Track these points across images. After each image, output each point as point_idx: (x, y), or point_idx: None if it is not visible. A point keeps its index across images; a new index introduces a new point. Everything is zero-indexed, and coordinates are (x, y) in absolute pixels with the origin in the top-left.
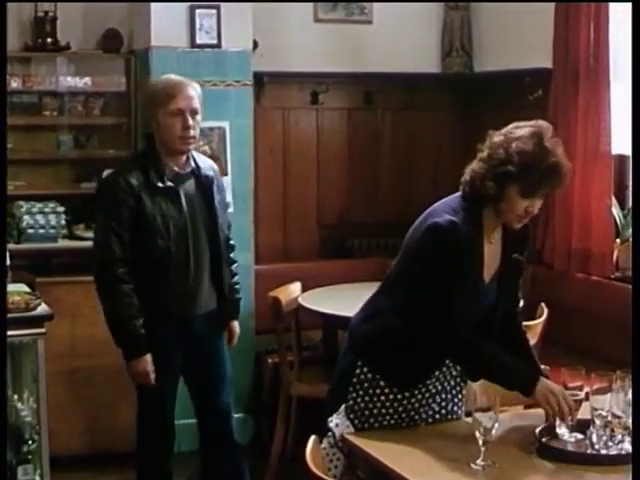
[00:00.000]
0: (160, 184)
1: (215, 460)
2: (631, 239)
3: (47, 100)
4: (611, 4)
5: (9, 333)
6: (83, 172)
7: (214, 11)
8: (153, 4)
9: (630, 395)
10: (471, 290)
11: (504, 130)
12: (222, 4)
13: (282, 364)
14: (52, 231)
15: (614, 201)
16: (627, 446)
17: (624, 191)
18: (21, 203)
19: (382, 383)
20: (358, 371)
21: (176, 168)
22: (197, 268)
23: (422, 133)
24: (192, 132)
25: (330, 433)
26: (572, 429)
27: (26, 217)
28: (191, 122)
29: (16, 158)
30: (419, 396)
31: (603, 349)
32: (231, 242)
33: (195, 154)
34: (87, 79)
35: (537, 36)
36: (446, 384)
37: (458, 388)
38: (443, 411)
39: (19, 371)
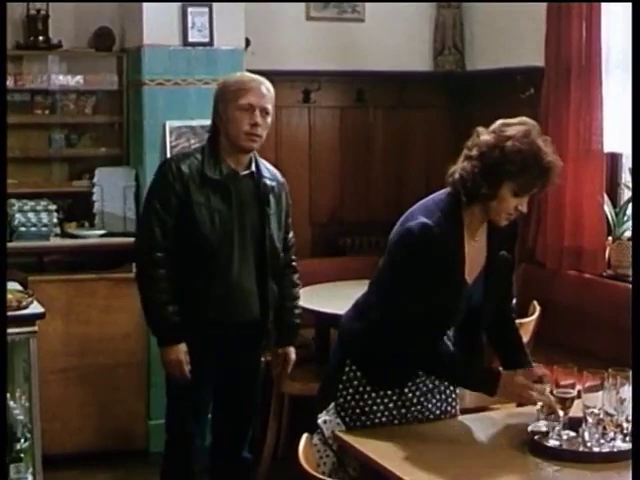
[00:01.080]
0: (212, 175)
1: (223, 477)
2: (627, 239)
3: (39, 98)
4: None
5: None
6: (75, 170)
7: (206, 9)
8: (145, 2)
9: (622, 393)
10: (452, 292)
11: (492, 128)
12: (214, 2)
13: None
14: (44, 229)
15: (606, 199)
16: (619, 444)
17: (616, 189)
18: (13, 201)
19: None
20: (347, 369)
21: (233, 165)
22: (241, 271)
23: (414, 131)
24: (259, 130)
25: (320, 430)
26: (564, 427)
27: (18, 215)
28: (259, 120)
29: (8, 156)
30: (409, 394)
31: (595, 347)
32: (293, 263)
33: (262, 161)
34: (79, 77)
35: (529, 34)
36: (437, 382)
37: (452, 387)
38: (437, 411)
39: (11, 369)
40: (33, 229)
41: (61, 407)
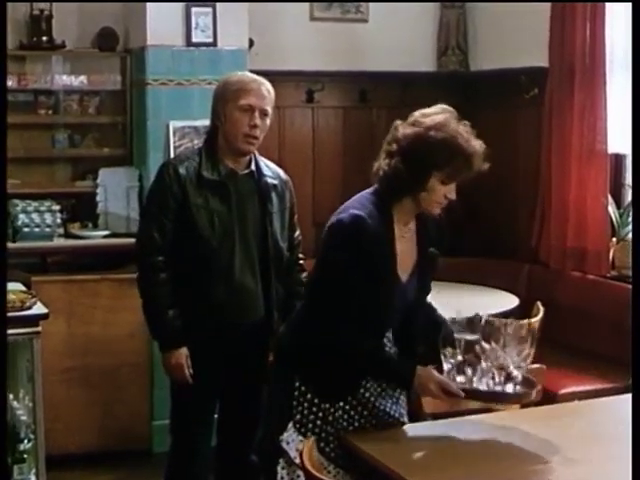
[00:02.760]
0: (209, 176)
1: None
2: (631, 240)
3: (42, 99)
4: (608, 3)
5: None
6: (78, 170)
7: (210, 9)
8: (149, 2)
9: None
10: (386, 288)
11: (411, 120)
12: (218, 2)
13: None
14: (47, 229)
15: (610, 200)
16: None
17: (620, 190)
18: (16, 201)
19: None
20: (298, 384)
21: (232, 166)
22: (243, 271)
23: None
24: (257, 132)
25: (283, 452)
26: (458, 371)
27: (21, 215)
28: (258, 121)
29: (11, 156)
30: (366, 394)
31: (599, 347)
32: (300, 262)
33: (263, 159)
34: (82, 77)
35: (533, 35)
36: (384, 385)
37: (399, 390)
38: (396, 414)
39: (15, 370)
40: (36, 230)
41: (64, 407)
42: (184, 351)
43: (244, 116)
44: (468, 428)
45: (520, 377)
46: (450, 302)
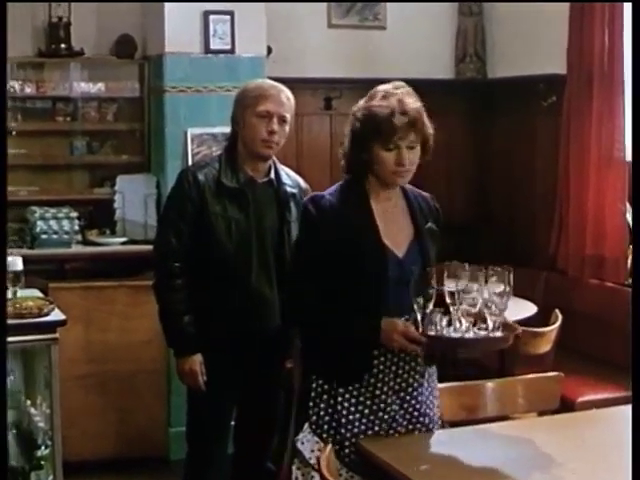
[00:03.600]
0: (228, 184)
1: None
2: (632, 239)
3: (60, 106)
4: (626, 8)
5: (22, 338)
6: (96, 177)
7: (228, 17)
8: (167, 10)
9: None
10: (372, 259)
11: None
12: (236, 10)
13: (295, 370)
14: (65, 236)
15: (628, 207)
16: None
17: None
18: (34, 208)
19: (340, 391)
20: (314, 385)
21: (251, 173)
22: (260, 279)
23: (435, 139)
24: (276, 138)
25: (298, 453)
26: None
27: (40, 222)
28: (276, 127)
29: (29, 163)
30: (383, 396)
31: (617, 355)
32: None
33: (283, 167)
34: (101, 85)
35: (551, 42)
36: (411, 380)
37: (430, 388)
38: (415, 412)
39: (32, 376)
40: (54, 236)
41: (81, 414)
42: (198, 358)
43: (262, 122)
44: (485, 436)
45: (496, 325)
46: None
